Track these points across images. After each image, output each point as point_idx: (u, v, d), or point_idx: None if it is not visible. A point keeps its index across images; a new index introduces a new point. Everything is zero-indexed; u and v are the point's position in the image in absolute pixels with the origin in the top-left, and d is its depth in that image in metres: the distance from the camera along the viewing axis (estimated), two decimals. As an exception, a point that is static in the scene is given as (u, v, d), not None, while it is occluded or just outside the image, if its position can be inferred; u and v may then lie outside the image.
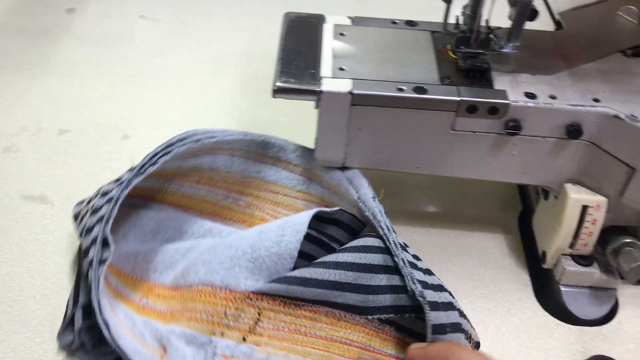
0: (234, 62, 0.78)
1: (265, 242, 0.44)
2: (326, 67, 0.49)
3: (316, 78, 0.47)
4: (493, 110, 0.47)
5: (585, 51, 0.53)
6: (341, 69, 0.49)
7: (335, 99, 0.47)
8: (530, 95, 0.47)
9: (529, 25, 0.47)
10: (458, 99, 0.47)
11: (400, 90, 0.47)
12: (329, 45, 0.51)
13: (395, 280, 0.44)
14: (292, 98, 0.48)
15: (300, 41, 0.51)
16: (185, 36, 0.82)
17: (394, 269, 0.45)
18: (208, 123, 0.68)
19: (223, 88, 0.74)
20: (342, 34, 0.53)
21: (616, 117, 0.46)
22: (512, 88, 0.48)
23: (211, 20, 0.85)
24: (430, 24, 0.55)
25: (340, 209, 0.48)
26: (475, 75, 0.49)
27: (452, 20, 0.51)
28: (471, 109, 0.47)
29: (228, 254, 0.45)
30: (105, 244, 0.46)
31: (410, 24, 0.55)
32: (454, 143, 0.49)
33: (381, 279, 0.44)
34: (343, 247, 0.46)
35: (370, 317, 0.44)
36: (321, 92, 0.46)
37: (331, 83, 0.47)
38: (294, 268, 0.44)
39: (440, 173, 0.52)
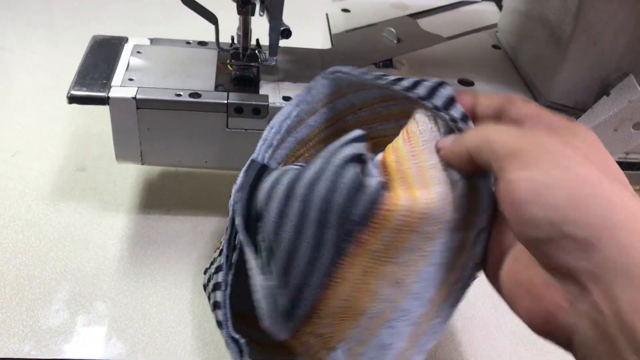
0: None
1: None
2: (117, 78, 0.58)
3: (106, 87, 0.57)
4: (256, 111, 0.58)
5: (343, 63, 0.65)
6: (130, 79, 0.58)
7: (121, 103, 0.56)
8: (286, 98, 0.58)
9: (307, 45, 0.59)
10: (226, 102, 0.57)
11: (179, 95, 0.57)
12: (125, 61, 0.61)
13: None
14: (86, 104, 0.56)
15: (99, 58, 0.61)
16: (31, 63, 0.89)
17: None
18: (45, 136, 0.76)
19: (61, 107, 0.81)
20: (139, 52, 0.62)
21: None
22: (273, 93, 0.59)
23: (56, 48, 0.93)
24: (219, 44, 0.66)
25: None
26: (246, 83, 0.60)
27: (229, 40, 0.62)
28: (238, 110, 0.57)
29: None
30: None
31: (202, 44, 0.66)
32: (231, 140, 0.60)
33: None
34: None
35: None
36: (109, 98, 0.56)
37: (118, 90, 0.56)
38: None
39: (227, 166, 0.62)
